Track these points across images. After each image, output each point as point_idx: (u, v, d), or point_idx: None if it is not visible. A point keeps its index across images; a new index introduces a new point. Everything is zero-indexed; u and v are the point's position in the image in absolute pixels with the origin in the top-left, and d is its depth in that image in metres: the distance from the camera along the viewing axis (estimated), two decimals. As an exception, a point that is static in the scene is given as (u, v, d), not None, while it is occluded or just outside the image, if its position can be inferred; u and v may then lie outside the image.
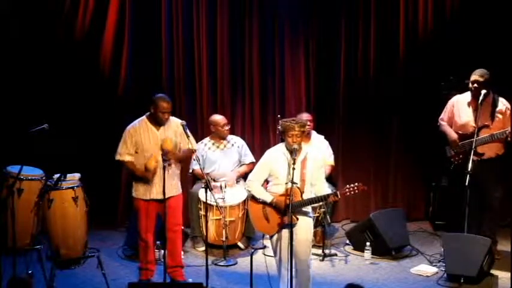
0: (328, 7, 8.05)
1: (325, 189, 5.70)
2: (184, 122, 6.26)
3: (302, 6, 8.07)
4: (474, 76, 6.65)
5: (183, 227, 6.77)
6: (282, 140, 5.73)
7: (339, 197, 5.60)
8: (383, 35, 8.00)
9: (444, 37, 7.86)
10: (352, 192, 5.57)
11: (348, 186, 5.60)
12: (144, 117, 6.26)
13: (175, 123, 6.27)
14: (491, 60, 7.16)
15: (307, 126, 5.82)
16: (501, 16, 7.50)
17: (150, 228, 6.28)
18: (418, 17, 7.91)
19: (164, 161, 6.03)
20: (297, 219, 5.51)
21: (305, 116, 7.22)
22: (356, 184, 5.57)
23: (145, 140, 6.16)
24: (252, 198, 5.76)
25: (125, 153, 6.22)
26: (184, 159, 6.52)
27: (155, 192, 6.16)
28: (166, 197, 6.13)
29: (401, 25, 7.93)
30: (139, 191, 6.24)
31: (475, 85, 6.62)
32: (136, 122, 6.26)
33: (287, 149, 5.60)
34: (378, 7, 7.96)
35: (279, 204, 5.57)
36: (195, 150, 6.36)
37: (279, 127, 7.15)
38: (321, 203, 6.04)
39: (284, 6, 8.07)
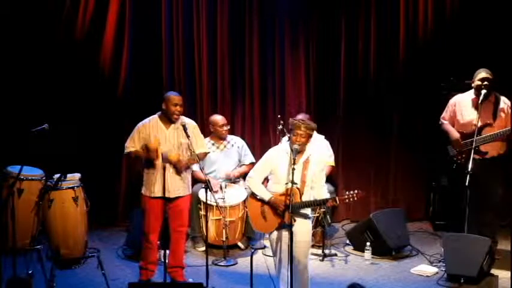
0: (328, 7, 8.06)
1: (324, 192, 5.67)
2: (184, 122, 6.25)
3: (302, 6, 8.08)
4: (483, 74, 6.61)
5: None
6: (289, 139, 5.70)
7: (338, 202, 5.58)
8: (383, 35, 8.01)
9: (444, 37, 7.87)
10: (351, 199, 5.55)
11: (347, 193, 5.57)
12: (155, 115, 6.27)
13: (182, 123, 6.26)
14: (491, 60, 7.15)
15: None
16: (501, 16, 7.50)
17: (155, 229, 6.27)
18: (418, 17, 7.92)
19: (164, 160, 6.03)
20: (294, 220, 5.49)
21: (302, 117, 7.19)
22: (355, 191, 5.54)
23: (153, 137, 6.16)
24: (252, 195, 5.75)
25: (130, 147, 6.24)
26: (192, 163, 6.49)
27: (163, 190, 6.13)
28: (175, 196, 6.17)
29: (401, 25, 7.94)
30: (147, 188, 6.24)
31: (486, 83, 6.59)
32: (147, 119, 6.28)
33: (290, 148, 5.59)
34: (378, 7, 7.97)
35: (276, 204, 5.56)
36: (203, 155, 6.37)
37: (279, 127, 7.16)
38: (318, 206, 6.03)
39: (284, 6, 8.08)
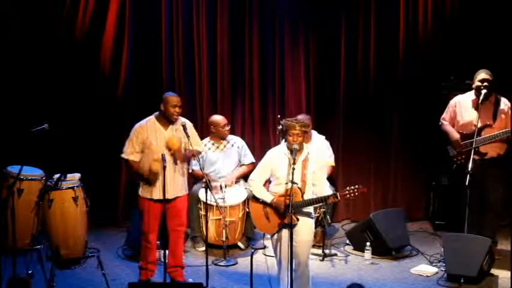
0: (328, 7, 8.06)
1: (326, 189, 5.69)
2: (184, 122, 6.25)
3: (302, 6, 8.08)
4: (483, 75, 6.63)
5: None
6: (285, 141, 5.72)
7: (339, 198, 5.60)
8: (383, 35, 8.01)
9: (444, 37, 7.87)
10: (352, 195, 5.55)
11: (348, 188, 5.58)
12: (152, 116, 6.24)
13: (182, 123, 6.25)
14: (491, 60, 7.15)
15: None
16: (501, 16, 7.50)
17: (154, 229, 6.26)
18: (418, 17, 7.91)
19: (164, 161, 6.01)
20: (298, 219, 5.51)
21: (302, 117, 7.19)
22: (356, 186, 5.55)
23: (152, 139, 6.14)
24: (253, 197, 5.76)
25: (130, 152, 6.19)
26: (188, 159, 6.48)
27: (163, 193, 6.09)
28: (173, 197, 6.16)
29: (401, 25, 7.93)
30: (146, 190, 6.22)
31: (485, 83, 6.60)
32: (144, 120, 6.25)
33: (288, 148, 5.60)
34: (378, 7, 7.96)
35: (278, 204, 5.58)
36: (198, 152, 6.35)
37: (279, 127, 7.15)
38: (320, 204, 6.03)
39: (284, 6, 8.08)
